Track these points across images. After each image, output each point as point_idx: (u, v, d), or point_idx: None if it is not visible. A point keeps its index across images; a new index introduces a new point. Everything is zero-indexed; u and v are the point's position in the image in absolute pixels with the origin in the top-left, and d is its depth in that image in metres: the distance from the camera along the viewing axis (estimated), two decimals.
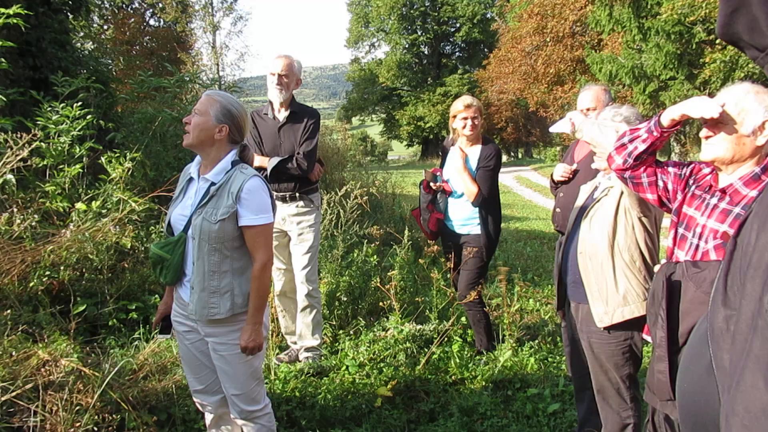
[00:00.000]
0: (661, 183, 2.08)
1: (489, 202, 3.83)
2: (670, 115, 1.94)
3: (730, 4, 0.64)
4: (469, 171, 3.82)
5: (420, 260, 4.59)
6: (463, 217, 3.90)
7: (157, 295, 4.01)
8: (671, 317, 1.86)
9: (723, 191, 1.92)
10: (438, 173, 4.00)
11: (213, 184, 2.21)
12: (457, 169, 3.82)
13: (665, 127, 1.97)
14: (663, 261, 2.12)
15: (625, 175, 2.12)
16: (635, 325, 2.32)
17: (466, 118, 3.79)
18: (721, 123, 1.85)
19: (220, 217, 2.15)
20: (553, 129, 2.99)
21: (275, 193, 3.62)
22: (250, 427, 2.41)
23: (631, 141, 2.05)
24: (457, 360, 3.71)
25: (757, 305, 0.76)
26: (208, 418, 2.51)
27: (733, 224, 1.82)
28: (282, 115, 3.65)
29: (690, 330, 1.74)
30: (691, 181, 2.06)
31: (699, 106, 1.83)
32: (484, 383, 3.50)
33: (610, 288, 2.34)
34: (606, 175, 2.53)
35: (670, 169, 2.10)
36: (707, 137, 1.91)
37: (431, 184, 3.94)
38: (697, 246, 1.94)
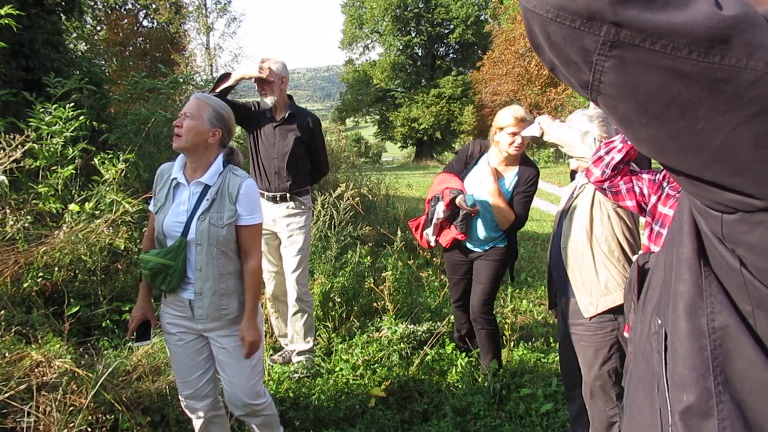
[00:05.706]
0: (637, 189, 2.22)
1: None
2: None
3: (547, 65, 0.62)
4: (504, 194, 3.35)
5: (413, 261, 4.61)
6: (487, 237, 3.49)
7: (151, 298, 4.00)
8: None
9: None
10: (464, 191, 3.39)
11: (207, 186, 2.25)
12: (490, 193, 3.34)
13: None
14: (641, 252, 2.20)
15: (604, 186, 2.26)
16: (620, 310, 2.40)
17: (515, 134, 3.21)
18: None
19: (227, 221, 2.23)
20: (524, 133, 2.99)
21: (266, 193, 3.64)
22: (256, 420, 2.45)
23: (607, 153, 2.20)
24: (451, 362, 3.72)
25: (648, 327, 0.76)
26: (197, 424, 2.50)
27: None
28: (279, 115, 3.65)
29: None
30: (665, 184, 2.19)
31: None
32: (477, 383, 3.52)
33: (592, 279, 2.46)
34: (583, 172, 2.62)
35: (644, 175, 2.25)
36: None
37: (460, 203, 3.33)
38: None
